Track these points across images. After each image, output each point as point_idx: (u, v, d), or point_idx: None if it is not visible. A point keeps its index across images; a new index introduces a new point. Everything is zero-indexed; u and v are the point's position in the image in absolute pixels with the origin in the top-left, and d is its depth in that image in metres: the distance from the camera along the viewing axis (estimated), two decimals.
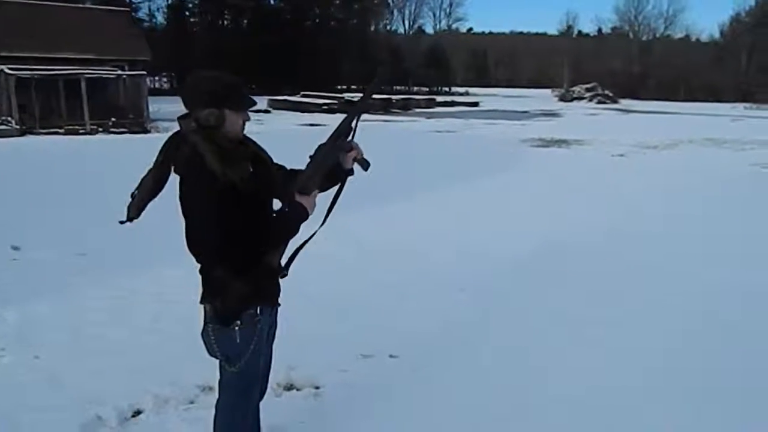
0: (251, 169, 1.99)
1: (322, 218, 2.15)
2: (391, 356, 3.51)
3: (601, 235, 6.37)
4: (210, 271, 2.02)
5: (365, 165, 2.17)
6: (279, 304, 2.27)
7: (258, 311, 2.07)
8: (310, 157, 2.05)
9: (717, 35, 67.53)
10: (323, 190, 2.10)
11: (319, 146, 2.05)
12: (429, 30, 74.80)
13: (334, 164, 2.09)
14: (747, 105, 43.13)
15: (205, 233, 1.92)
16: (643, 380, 3.25)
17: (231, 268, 1.98)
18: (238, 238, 1.91)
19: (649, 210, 7.81)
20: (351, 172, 2.16)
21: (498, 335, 3.83)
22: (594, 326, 3.97)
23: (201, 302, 2.08)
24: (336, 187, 2.17)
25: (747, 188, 9.83)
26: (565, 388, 3.14)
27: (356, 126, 2.10)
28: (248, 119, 2.04)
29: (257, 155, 2.07)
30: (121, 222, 2.02)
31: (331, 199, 2.14)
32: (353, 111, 2.10)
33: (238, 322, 2.04)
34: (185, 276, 4.68)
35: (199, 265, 2.04)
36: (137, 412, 2.90)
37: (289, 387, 3.13)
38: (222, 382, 2.21)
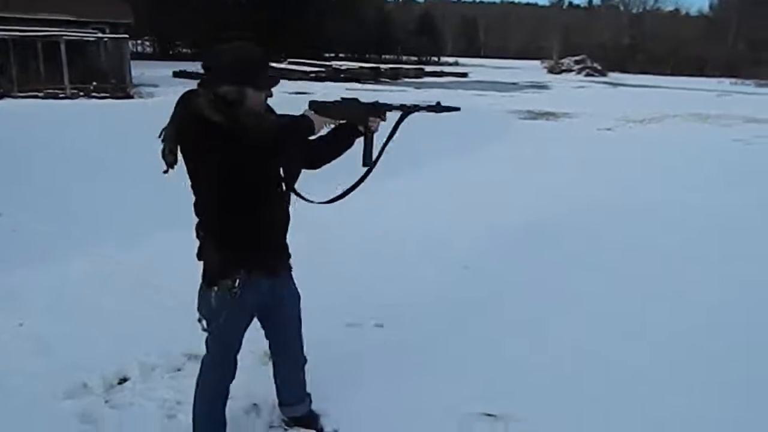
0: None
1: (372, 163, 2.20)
2: (377, 325, 3.54)
3: (586, 209, 6.41)
4: (198, 229, 2.07)
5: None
6: (285, 272, 2.27)
7: (235, 282, 2.04)
8: (342, 98, 2.13)
9: (706, 9, 67.38)
10: (328, 138, 2.14)
11: (356, 99, 2.15)
12: None
13: (357, 119, 2.12)
14: (733, 80, 43.31)
15: (206, 189, 1.95)
16: (650, 357, 3.29)
17: (211, 233, 2.02)
18: (227, 203, 1.95)
19: (632, 184, 7.87)
20: (362, 133, 2.17)
21: (491, 307, 3.85)
22: (585, 299, 4.02)
23: (198, 258, 2.12)
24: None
25: (729, 163, 9.92)
26: (559, 360, 3.19)
27: (398, 125, 2.18)
28: (271, 96, 2.02)
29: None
30: (164, 171, 1.97)
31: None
32: (406, 110, 2.16)
33: (216, 288, 2.05)
34: (175, 243, 4.67)
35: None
36: (123, 379, 2.90)
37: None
38: (205, 340, 2.24)
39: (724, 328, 3.65)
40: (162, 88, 18.24)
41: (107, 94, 16.20)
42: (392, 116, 2.19)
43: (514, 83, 32.54)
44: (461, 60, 61.48)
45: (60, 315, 3.50)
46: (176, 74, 24.15)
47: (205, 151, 1.87)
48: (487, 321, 3.63)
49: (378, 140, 2.21)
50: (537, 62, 59.00)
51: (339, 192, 2.27)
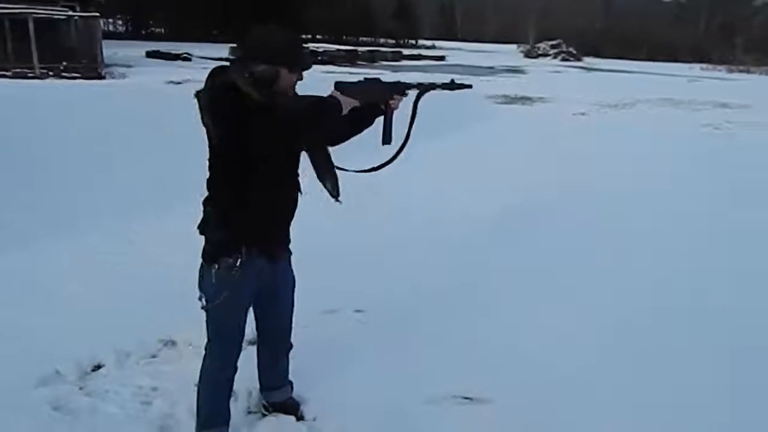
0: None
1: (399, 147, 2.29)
2: (357, 311, 3.55)
3: (558, 193, 6.49)
4: (204, 204, 2.07)
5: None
6: (285, 258, 2.30)
7: (237, 262, 2.04)
8: (366, 78, 2.20)
9: None
10: (351, 117, 2.17)
11: (378, 79, 2.21)
12: None
13: (380, 98, 2.20)
14: (703, 66, 44.01)
15: (224, 161, 1.97)
16: (614, 338, 3.36)
17: (218, 208, 2.03)
18: (241, 178, 1.96)
19: (605, 168, 7.98)
20: (383, 111, 2.23)
21: (468, 294, 3.88)
22: (563, 284, 4.08)
23: (199, 232, 2.11)
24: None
25: (697, 148, 10.12)
26: (536, 347, 3.22)
27: (417, 104, 2.26)
28: (302, 78, 2.06)
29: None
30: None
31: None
32: (423, 88, 2.23)
33: (216, 265, 2.05)
34: (151, 230, 4.65)
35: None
36: (98, 366, 2.87)
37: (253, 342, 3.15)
38: (205, 322, 2.22)
39: (700, 312, 3.75)
40: (135, 68, 17.85)
41: (78, 74, 15.79)
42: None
43: (490, 67, 32.61)
44: (438, 43, 61.32)
45: (32, 303, 3.43)
46: (150, 54, 23.65)
47: (234, 116, 1.87)
48: (464, 307, 3.67)
49: (397, 119, 2.28)
50: (513, 46, 59.15)
51: (378, 163, 2.36)
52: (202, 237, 2.11)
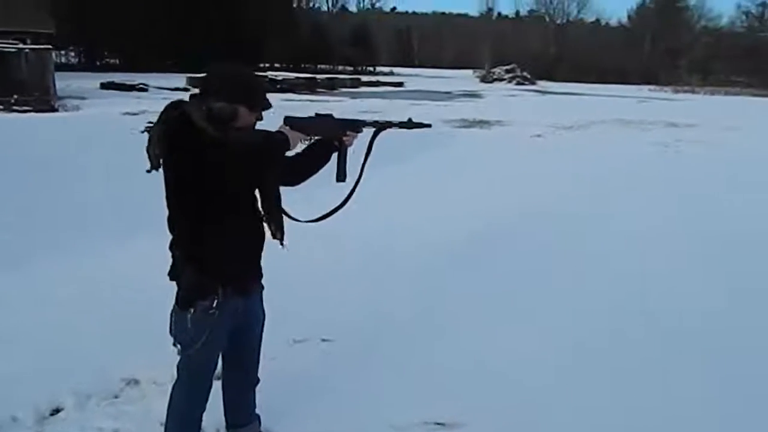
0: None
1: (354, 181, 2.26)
2: (323, 340, 3.52)
3: (518, 215, 6.62)
4: (171, 249, 2.04)
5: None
6: (257, 292, 2.26)
7: (214, 303, 2.01)
8: (317, 113, 2.17)
9: (625, 20, 71.00)
10: (304, 154, 2.18)
11: (331, 115, 2.19)
12: (353, 8, 74.18)
13: (332, 135, 2.18)
14: (651, 87, 45.81)
15: (183, 199, 1.94)
16: (572, 359, 3.41)
17: (187, 251, 1.99)
18: (203, 217, 1.94)
19: (563, 187, 8.20)
20: (337, 148, 2.22)
21: (429, 319, 3.90)
22: (522, 306, 4.13)
23: (170, 278, 2.07)
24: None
25: (649, 165, 10.51)
26: (502, 368, 3.24)
27: (373, 141, 2.28)
28: (261, 119, 2.04)
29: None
30: (148, 171, 1.93)
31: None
32: (379, 126, 2.25)
33: (192, 309, 2.01)
34: (102, 263, 4.54)
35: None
36: (56, 410, 2.77)
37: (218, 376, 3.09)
38: (178, 364, 2.17)
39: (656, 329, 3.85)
40: (90, 100, 17.56)
41: (29, 108, 15.43)
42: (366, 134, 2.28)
43: (448, 92, 33.18)
44: (396, 70, 62.17)
45: None
46: (104, 85, 23.27)
47: (188, 150, 1.85)
48: (424, 332, 3.68)
49: (352, 157, 2.27)
50: (469, 71, 60.42)
51: (326, 211, 2.34)
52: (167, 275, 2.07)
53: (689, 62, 52.56)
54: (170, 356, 2.16)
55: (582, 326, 3.83)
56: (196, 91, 2.07)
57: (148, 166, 1.90)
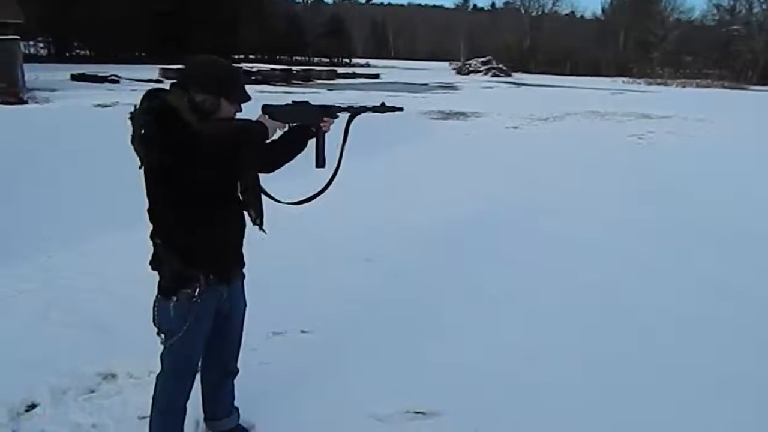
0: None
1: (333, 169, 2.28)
2: (302, 332, 3.52)
3: (497, 203, 6.67)
4: (152, 238, 2.03)
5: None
6: (239, 280, 2.26)
7: (195, 291, 2.01)
8: (293, 101, 2.20)
9: (599, 12, 71.72)
10: (281, 141, 2.20)
11: (307, 102, 2.22)
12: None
13: (309, 121, 2.20)
14: (625, 79, 46.42)
15: (163, 190, 1.93)
16: (549, 346, 3.46)
17: (168, 240, 1.99)
18: (184, 206, 1.94)
19: (540, 178, 8.29)
20: (314, 134, 2.25)
21: (409, 308, 3.91)
22: (504, 297, 4.17)
23: (151, 267, 2.06)
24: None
25: (625, 157, 10.65)
26: (477, 358, 3.27)
27: (349, 126, 2.29)
28: (240, 111, 2.06)
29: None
30: (140, 167, 1.93)
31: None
32: (354, 111, 2.28)
33: (174, 298, 2.01)
34: (75, 260, 4.46)
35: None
36: (32, 406, 2.72)
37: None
38: (161, 354, 2.16)
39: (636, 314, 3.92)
40: (60, 92, 17.18)
41: None
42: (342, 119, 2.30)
43: (424, 84, 33.21)
44: (372, 62, 62.03)
45: None
46: (75, 77, 22.77)
47: (172, 141, 1.84)
48: (409, 323, 3.69)
49: (327, 144, 2.28)
50: (446, 64, 60.59)
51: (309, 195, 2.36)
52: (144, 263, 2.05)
53: (662, 55, 53.34)
54: (147, 350, 2.14)
55: (560, 314, 3.89)
56: (171, 82, 2.04)
57: (131, 158, 1.91)
